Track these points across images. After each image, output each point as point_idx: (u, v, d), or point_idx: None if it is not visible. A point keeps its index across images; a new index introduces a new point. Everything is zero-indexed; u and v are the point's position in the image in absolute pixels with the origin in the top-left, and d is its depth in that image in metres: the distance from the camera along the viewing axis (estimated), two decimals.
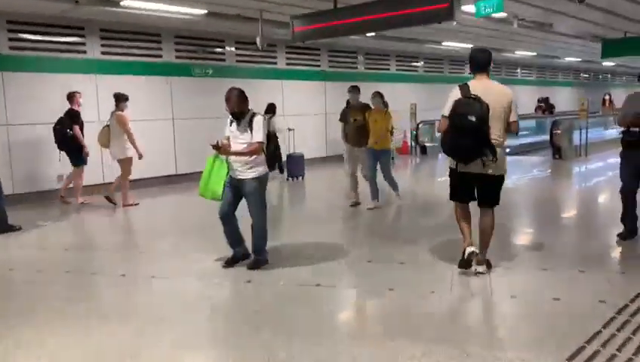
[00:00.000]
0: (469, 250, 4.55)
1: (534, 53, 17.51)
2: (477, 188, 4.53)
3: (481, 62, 4.47)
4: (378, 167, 7.52)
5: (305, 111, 13.17)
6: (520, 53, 17.35)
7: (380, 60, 15.42)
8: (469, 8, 8.21)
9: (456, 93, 4.35)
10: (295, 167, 10.94)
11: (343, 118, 7.75)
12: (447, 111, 4.36)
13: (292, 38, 7.87)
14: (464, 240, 4.63)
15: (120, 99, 8.12)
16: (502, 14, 9.96)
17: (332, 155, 13.21)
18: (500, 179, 4.47)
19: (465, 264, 4.56)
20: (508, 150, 4.58)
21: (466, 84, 4.36)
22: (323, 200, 8.92)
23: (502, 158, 4.40)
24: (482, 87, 4.34)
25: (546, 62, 21.38)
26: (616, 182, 5.85)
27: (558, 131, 13.40)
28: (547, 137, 13.63)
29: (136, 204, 8.30)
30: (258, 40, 8.35)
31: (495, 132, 4.31)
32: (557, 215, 7.55)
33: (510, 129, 4.43)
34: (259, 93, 12.28)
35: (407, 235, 6.29)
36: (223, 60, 11.61)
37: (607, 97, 22.54)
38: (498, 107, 4.30)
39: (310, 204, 9.40)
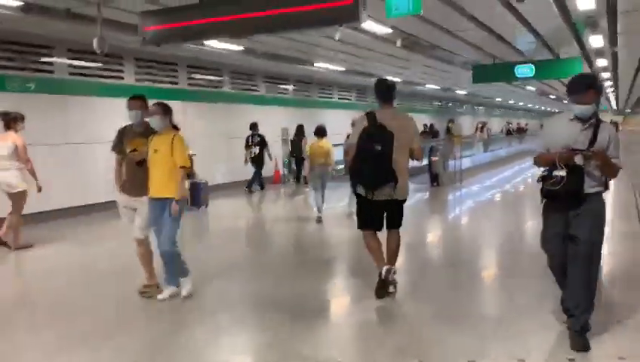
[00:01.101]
0: (385, 268, 4.53)
1: (399, 80, 17.25)
2: (386, 213, 4.61)
3: (387, 92, 4.66)
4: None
5: None
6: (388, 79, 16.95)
7: (248, 80, 13.86)
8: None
9: (362, 122, 4.48)
10: (198, 195, 9.91)
11: (117, 147, 4.81)
12: (354, 139, 4.48)
13: (142, 40, 5.92)
14: (377, 263, 4.61)
15: (15, 119, 6.64)
16: (387, 31, 9.05)
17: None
18: (403, 202, 4.64)
19: (382, 286, 4.53)
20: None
21: (373, 112, 4.51)
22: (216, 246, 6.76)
23: (406, 183, 4.57)
24: (388, 116, 4.50)
25: (408, 89, 21.53)
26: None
27: (435, 158, 12.96)
28: (425, 163, 13.09)
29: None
30: (95, 42, 6.28)
31: (402, 159, 4.47)
32: (471, 259, 6.52)
33: (414, 155, 4.62)
34: (101, 113, 10.00)
35: (300, 307, 4.66)
36: (51, 72, 9.16)
37: (451, 124, 22.88)
38: (403, 135, 4.47)
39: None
